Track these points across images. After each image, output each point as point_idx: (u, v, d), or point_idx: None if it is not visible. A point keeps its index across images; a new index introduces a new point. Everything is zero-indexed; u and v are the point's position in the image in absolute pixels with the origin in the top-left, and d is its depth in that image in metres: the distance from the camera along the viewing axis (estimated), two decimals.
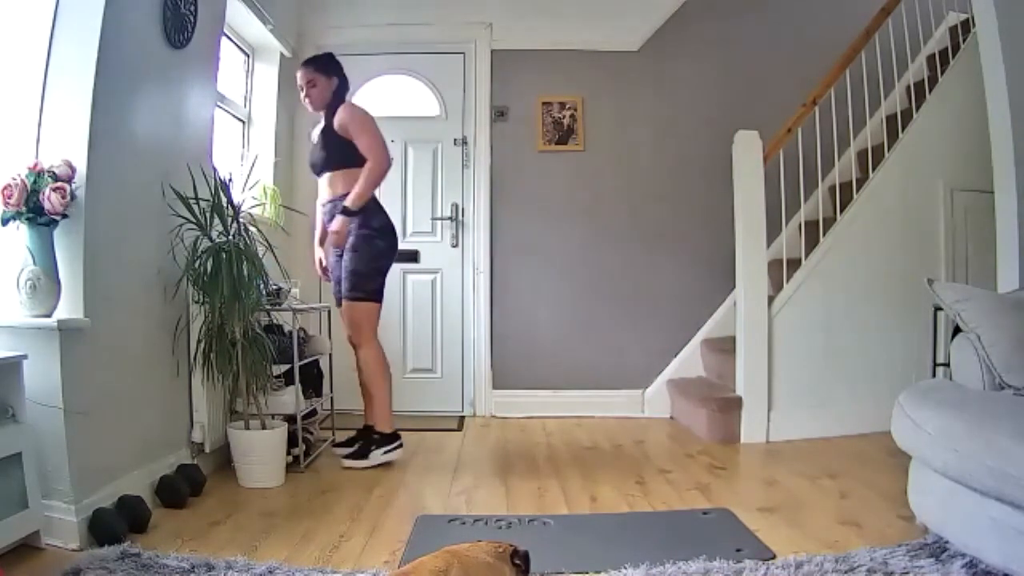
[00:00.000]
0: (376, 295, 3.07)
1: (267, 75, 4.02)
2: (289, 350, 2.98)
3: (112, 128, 2.29)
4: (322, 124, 3.12)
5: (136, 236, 2.48)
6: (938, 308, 3.33)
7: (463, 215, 4.32)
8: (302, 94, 3.14)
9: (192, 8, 2.74)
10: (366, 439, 3.08)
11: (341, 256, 3.07)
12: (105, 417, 2.23)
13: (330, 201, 3.11)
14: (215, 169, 2.96)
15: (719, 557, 1.93)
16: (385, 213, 3.12)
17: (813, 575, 1.80)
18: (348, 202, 2.98)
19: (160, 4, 2.55)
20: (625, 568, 1.88)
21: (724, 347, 3.93)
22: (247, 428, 2.76)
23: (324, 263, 3.25)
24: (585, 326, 4.25)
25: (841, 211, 3.83)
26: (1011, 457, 1.58)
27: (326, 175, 3.12)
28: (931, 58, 3.97)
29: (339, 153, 3.05)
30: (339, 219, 2.98)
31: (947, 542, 1.94)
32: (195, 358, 2.71)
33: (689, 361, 4.27)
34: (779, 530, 2.22)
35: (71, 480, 2.05)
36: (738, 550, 2.05)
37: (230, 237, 2.68)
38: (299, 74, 3.14)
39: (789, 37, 4.34)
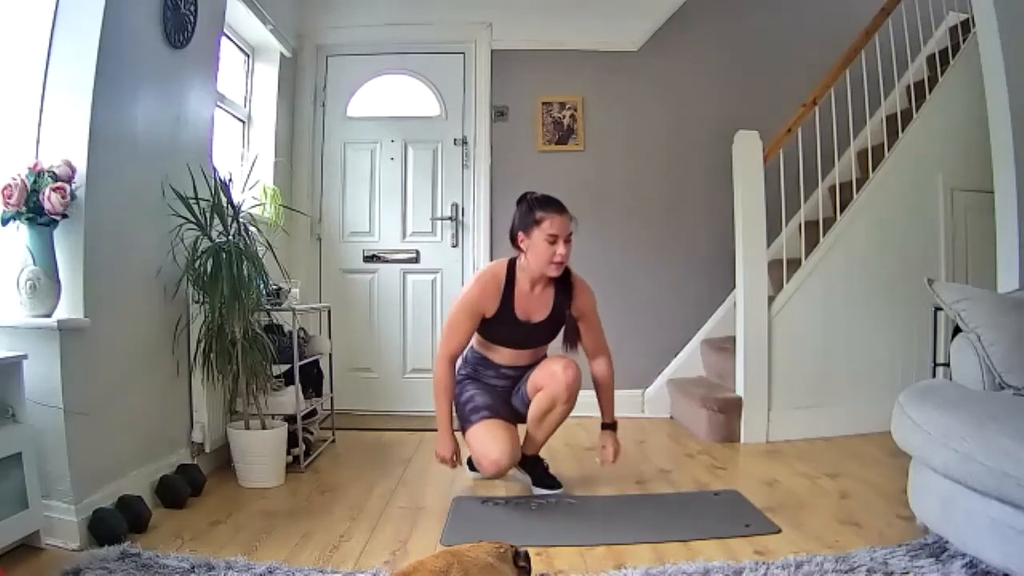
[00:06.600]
0: None
1: (267, 75, 4.02)
2: (289, 350, 2.99)
3: (112, 128, 2.29)
4: (528, 287, 2.65)
5: (136, 236, 2.48)
6: (938, 308, 3.33)
7: (463, 215, 4.32)
8: (559, 249, 2.53)
9: (192, 8, 2.74)
10: (539, 465, 2.77)
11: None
12: (105, 417, 2.23)
13: (512, 368, 2.77)
14: (215, 169, 2.96)
15: (729, 533, 2.16)
16: None
17: (813, 575, 1.80)
18: (610, 418, 2.77)
19: (160, 4, 2.55)
20: (629, 569, 1.89)
21: (724, 347, 3.93)
22: (247, 428, 2.77)
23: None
24: None
25: (841, 211, 3.83)
26: (1011, 457, 1.58)
27: (527, 351, 2.75)
28: (931, 58, 3.97)
29: (560, 331, 2.70)
30: (612, 436, 2.75)
31: (947, 542, 1.94)
32: (195, 358, 2.71)
33: (689, 361, 4.27)
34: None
35: (71, 480, 2.05)
36: (747, 525, 2.24)
37: (230, 237, 2.68)
38: (559, 222, 2.53)
39: (789, 37, 4.34)
